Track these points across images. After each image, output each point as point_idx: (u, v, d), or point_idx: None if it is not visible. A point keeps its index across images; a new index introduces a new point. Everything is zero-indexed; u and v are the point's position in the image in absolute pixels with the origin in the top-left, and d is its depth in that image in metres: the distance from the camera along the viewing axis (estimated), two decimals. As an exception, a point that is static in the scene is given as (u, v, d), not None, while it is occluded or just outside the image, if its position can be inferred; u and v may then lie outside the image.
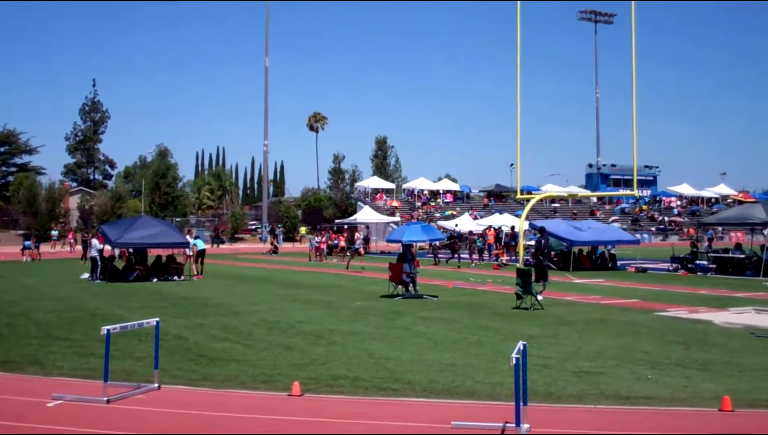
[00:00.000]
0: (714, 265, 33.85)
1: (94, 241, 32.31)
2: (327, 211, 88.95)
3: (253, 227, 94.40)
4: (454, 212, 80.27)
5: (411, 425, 8.40)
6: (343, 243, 51.41)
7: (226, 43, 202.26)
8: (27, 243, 50.51)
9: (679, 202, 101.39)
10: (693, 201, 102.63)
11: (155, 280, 29.97)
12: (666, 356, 12.63)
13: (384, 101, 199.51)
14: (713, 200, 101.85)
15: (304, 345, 13.96)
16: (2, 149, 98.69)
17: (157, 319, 10.70)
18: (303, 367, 11.76)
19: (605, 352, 13.01)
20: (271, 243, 63.29)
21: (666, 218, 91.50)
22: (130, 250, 32.37)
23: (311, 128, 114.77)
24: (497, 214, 64.16)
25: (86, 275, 31.94)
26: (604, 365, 11.84)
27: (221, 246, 74.61)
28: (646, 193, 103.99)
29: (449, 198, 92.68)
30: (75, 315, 18.81)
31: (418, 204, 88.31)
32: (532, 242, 32.83)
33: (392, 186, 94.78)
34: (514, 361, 7.34)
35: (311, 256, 49.51)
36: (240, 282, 30.08)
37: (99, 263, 30.76)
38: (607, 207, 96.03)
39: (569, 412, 9.02)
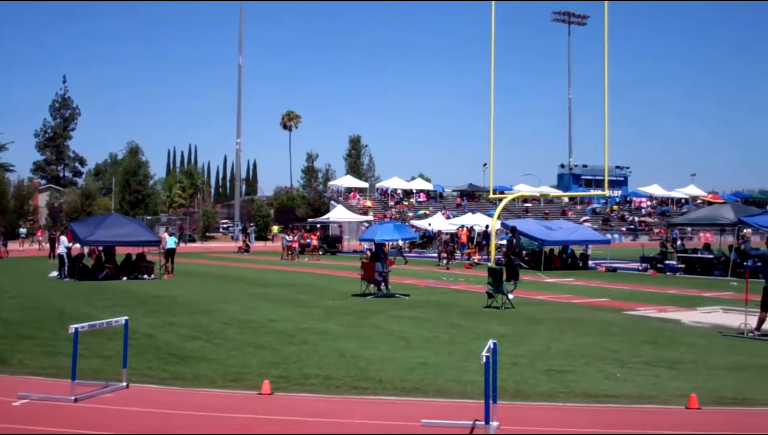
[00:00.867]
0: (683, 265, 34.17)
1: (63, 239, 32.02)
2: (300, 210, 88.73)
3: (225, 226, 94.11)
4: (428, 211, 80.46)
5: (381, 423, 8.40)
6: (315, 242, 51.33)
7: (199, 40, 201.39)
8: (-5, 241, 49.91)
9: (649, 203, 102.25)
10: (663, 201, 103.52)
11: (125, 278, 29.75)
12: (635, 355, 12.73)
13: (358, 100, 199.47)
14: (683, 201, 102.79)
15: (275, 344, 13.92)
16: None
17: (126, 317, 10.63)
18: (274, 365, 11.73)
19: (575, 351, 13.09)
20: (243, 241, 63.05)
21: (636, 218, 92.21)
22: (100, 248, 32.11)
23: (285, 127, 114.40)
24: (470, 214, 64.33)
25: (55, 273, 31.64)
26: (574, 364, 11.91)
27: (192, 244, 74.20)
28: (617, 193, 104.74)
29: (422, 197, 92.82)
30: (43, 313, 18.64)
31: (392, 203, 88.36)
32: (504, 242, 32.99)
33: (366, 185, 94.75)
34: (484, 360, 7.37)
35: (283, 254, 49.41)
36: (211, 281, 29.95)
37: (66, 261, 30.47)
38: (579, 207, 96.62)
39: (538, 410, 9.06)
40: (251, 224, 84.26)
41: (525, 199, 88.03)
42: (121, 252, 32.04)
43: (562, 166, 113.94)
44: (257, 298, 22.42)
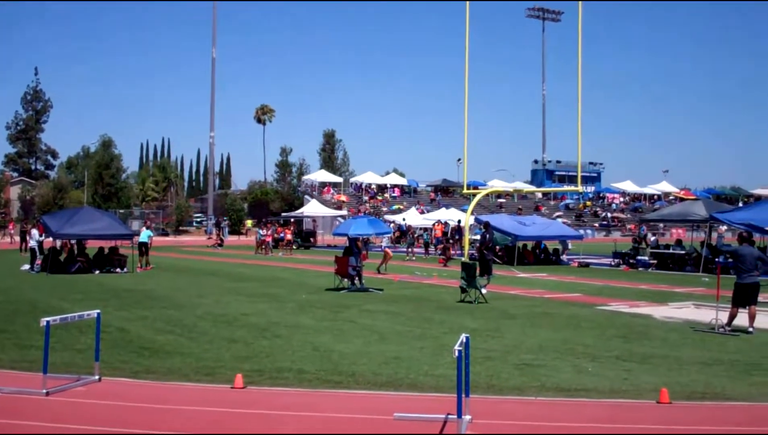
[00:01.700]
0: (655, 261, 34.45)
1: (34, 232, 31.76)
2: (273, 205, 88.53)
3: (199, 220, 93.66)
4: (401, 206, 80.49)
5: (354, 417, 8.42)
6: (289, 236, 51.22)
7: (172, 33, 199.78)
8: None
9: (622, 199, 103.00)
10: (636, 198, 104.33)
11: (97, 272, 29.55)
12: (606, 349, 12.83)
13: (333, 95, 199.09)
14: (656, 197, 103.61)
15: (248, 338, 13.90)
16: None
17: (98, 310, 10.57)
18: (247, 359, 11.72)
19: (547, 345, 13.17)
20: (217, 236, 62.77)
21: (609, 214, 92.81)
22: (72, 242, 31.87)
23: (258, 121, 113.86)
24: (444, 209, 64.45)
25: (26, 266, 31.35)
26: (546, 358, 11.99)
27: (165, 238, 73.77)
28: (590, 189, 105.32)
29: (397, 192, 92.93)
30: (15, 307, 18.48)
31: (366, 198, 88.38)
32: (478, 237, 33.09)
33: (340, 180, 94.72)
34: (456, 354, 7.40)
35: (257, 249, 49.27)
36: (184, 275, 29.82)
37: (39, 254, 30.19)
38: (552, 202, 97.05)
39: (510, 403, 9.12)
40: (225, 218, 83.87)
41: (499, 195, 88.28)
42: (93, 245, 31.82)
43: (536, 161, 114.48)
44: (231, 293, 22.36)
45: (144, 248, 32.49)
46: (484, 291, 20.55)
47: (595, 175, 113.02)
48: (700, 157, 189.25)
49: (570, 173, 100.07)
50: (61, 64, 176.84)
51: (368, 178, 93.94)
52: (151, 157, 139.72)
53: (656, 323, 16.38)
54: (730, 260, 15.96)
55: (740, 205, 72.83)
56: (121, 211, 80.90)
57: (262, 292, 22.67)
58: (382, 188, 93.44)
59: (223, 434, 7.80)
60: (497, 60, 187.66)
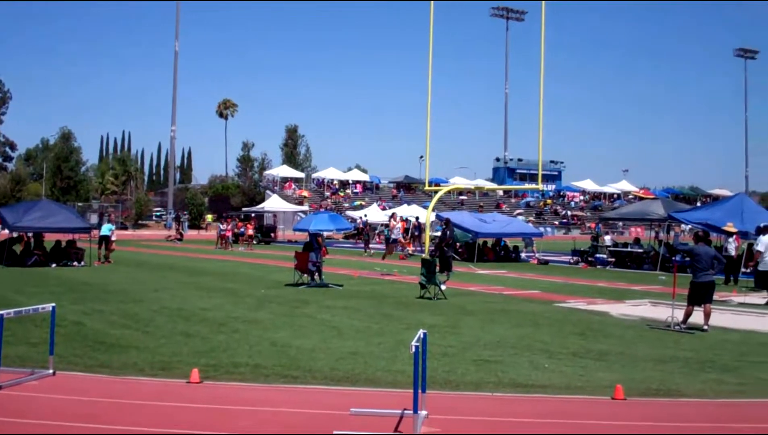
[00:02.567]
0: (613, 259, 34.80)
1: (-10, 225, 31.23)
2: (234, 199, 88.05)
3: (158, 214, 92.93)
4: (363, 202, 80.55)
5: (310, 412, 8.39)
6: (250, 231, 50.99)
7: (134, 25, 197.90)
8: None
9: (582, 197, 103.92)
10: (595, 196, 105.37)
11: (54, 265, 29.19)
12: (563, 346, 12.93)
13: (296, 90, 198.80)
14: (615, 196, 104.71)
15: (205, 332, 13.81)
16: None
17: (53, 304, 10.42)
18: (204, 354, 11.64)
19: (505, 342, 13.24)
20: (176, 230, 62.31)
21: (569, 212, 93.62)
22: (29, 235, 31.41)
23: (221, 115, 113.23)
24: (406, 205, 64.59)
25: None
26: (503, 354, 12.05)
27: (124, 232, 73.05)
28: (551, 187, 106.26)
29: (359, 188, 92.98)
30: (-33, 300, 18.18)
31: (328, 193, 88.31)
32: (439, 233, 33.19)
33: (302, 175, 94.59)
34: (413, 349, 7.40)
35: (218, 243, 49.00)
36: (143, 269, 29.55)
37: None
38: (513, 200, 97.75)
39: (467, 399, 9.16)
40: (185, 213, 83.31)
41: (460, 192, 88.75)
42: (50, 239, 31.40)
43: (498, 159, 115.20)
44: (189, 287, 22.21)
45: (105, 242, 32.12)
46: (443, 287, 20.61)
47: (556, 173, 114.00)
48: (659, 157, 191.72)
49: (531, 171, 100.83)
50: (21, 56, 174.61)
51: (330, 173, 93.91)
52: (111, 150, 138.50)
53: (613, 320, 16.53)
54: (687, 259, 16.17)
55: (698, 204, 73.90)
56: (80, 204, 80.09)
57: (220, 286, 22.53)
58: (344, 184, 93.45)
59: (176, 431, 7.72)
60: (461, 58, 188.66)
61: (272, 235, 59.97)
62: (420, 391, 7.64)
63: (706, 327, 14.93)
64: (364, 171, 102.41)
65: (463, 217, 40.39)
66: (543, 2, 30.05)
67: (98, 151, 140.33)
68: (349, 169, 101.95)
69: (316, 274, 22.86)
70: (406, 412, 7.98)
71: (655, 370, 11.01)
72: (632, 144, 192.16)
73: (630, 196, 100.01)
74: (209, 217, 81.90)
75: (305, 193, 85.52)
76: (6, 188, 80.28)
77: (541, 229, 57.62)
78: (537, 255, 39.06)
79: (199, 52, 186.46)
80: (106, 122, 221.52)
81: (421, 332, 7.92)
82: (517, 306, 18.84)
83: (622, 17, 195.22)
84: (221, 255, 41.12)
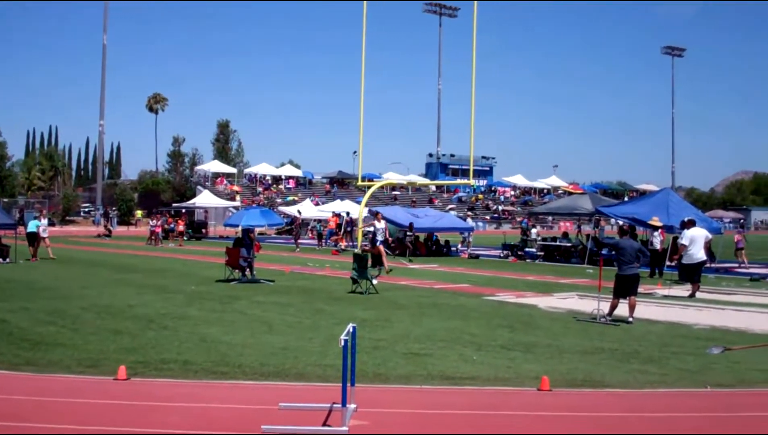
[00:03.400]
0: (542, 253, 35.31)
1: None
2: (165, 195, 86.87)
3: (87, 209, 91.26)
4: (296, 198, 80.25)
5: (239, 408, 8.36)
6: (180, 227, 50.41)
7: (62, 18, 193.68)
8: None
9: (512, 192, 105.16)
10: (526, 191, 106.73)
11: (-23, 262, 28.49)
12: (492, 339, 13.09)
13: (228, 85, 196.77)
14: (545, 191, 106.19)
15: (134, 329, 13.62)
16: None
17: (-26, 301, 10.19)
18: (132, 351, 11.48)
19: (435, 335, 13.35)
20: (105, 226, 61.23)
21: (500, 207, 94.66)
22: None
23: (151, 109, 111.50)
24: (339, 201, 64.53)
25: None
26: (433, 347, 12.15)
27: (51, 228, 71.49)
28: (482, 182, 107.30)
29: (292, 184, 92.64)
30: None
31: (260, 189, 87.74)
32: (371, 229, 33.26)
33: (234, 170, 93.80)
34: (342, 343, 7.42)
35: (150, 239, 48.33)
36: (70, 265, 28.98)
37: None
38: (445, 195, 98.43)
39: (396, 392, 9.21)
40: (114, 208, 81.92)
41: (393, 187, 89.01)
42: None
43: (431, 155, 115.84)
44: (118, 284, 21.87)
45: (33, 238, 31.40)
46: (375, 282, 20.68)
47: (488, 168, 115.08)
48: (589, 153, 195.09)
49: (463, 167, 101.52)
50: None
51: (263, 169, 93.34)
52: (37, 145, 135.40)
53: (541, 313, 16.79)
54: (613, 253, 16.51)
55: (625, 199, 75.33)
56: (6, 199, 78.13)
57: (150, 283, 22.23)
58: (276, 179, 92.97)
59: (103, 428, 7.60)
60: (395, 54, 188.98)
61: (203, 231, 59.36)
62: (349, 384, 7.67)
63: (630, 319, 15.25)
64: (297, 166, 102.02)
65: (395, 212, 40.57)
66: (475, 1, 30.28)
67: (24, 146, 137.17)
68: (282, 165, 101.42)
69: (247, 269, 22.71)
70: (335, 405, 7.99)
71: (580, 362, 11.22)
72: (562, 140, 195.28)
73: (559, 191, 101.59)
74: (139, 213, 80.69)
75: (237, 189, 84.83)
76: (-72, 184, 78.08)
77: (473, 223, 57.91)
78: (468, 249, 39.39)
79: (128, 46, 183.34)
80: (32, 117, 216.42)
81: (350, 326, 7.95)
82: (448, 299, 18.99)
83: (553, 16, 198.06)
84: (151, 251, 40.54)
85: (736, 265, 32.28)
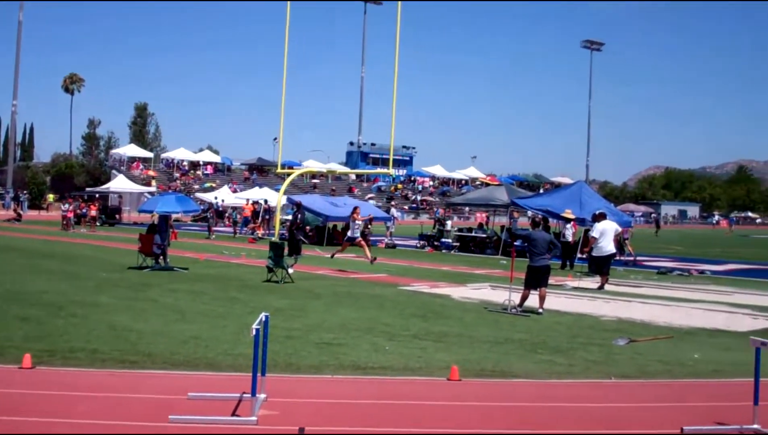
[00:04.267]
0: (458, 244, 35.71)
1: None
2: (78, 179, 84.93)
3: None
4: (214, 184, 79.38)
5: (147, 397, 8.27)
6: (93, 212, 49.39)
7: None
8: None
9: (431, 183, 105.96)
10: (445, 182, 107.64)
11: None
12: (405, 328, 13.21)
13: (146, 68, 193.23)
14: (463, 182, 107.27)
15: (42, 316, 13.33)
16: None
17: None
18: (39, 339, 11.23)
19: (348, 324, 13.41)
20: (14, 210, 59.60)
21: (419, 197, 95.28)
22: None
23: (66, 90, 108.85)
24: (257, 188, 64.11)
25: None
26: (347, 337, 12.20)
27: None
28: (402, 172, 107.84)
29: (210, 170, 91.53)
30: None
31: (177, 175, 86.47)
32: (290, 217, 33.13)
33: (150, 155, 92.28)
34: (254, 333, 7.41)
35: (63, 224, 47.22)
36: (-24, 250, 28.16)
37: None
38: (365, 184, 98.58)
39: (307, 381, 9.24)
40: (25, 192, 79.75)
41: (313, 175, 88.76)
42: None
43: (351, 143, 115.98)
44: (26, 270, 21.35)
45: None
46: (291, 271, 20.63)
47: (408, 158, 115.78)
48: (507, 145, 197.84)
49: (383, 156, 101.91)
50: None
51: (180, 154, 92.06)
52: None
53: (454, 303, 17.00)
54: (525, 244, 16.81)
55: (540, 191, 76.68)
56: None
57: (60, 269, 21.77)
58: (194, 165, 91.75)
59: (4, 418, 7.44)
60: (318, 41, 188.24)
61: (117, 216, 58.32)
62: (259, 374, 7.67)
63: (541, 310, 15.56)
64: (216, 152, 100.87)
65: (314, 201, 40.51)
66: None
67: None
68: (201, 150, 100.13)
69: (161, 257, 22.41)
70: (245, 395, 7.98)
71: (490, 352, 11.42)
72: (482, 132, 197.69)
73: (477, 183, 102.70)
74: (50, 197, 78.72)
75: (153, 174, 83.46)
76: None
77: (398, 213, 58.16)
78: (387, 239, 39.57)
79: (45, 23, 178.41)
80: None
81: (262, 315, 7.94)
82: (364, 289, 19.08)
83: (475, 9, 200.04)
84: (62, 237, 39.63)
85: (643, 257, 33.21)
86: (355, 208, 26.77)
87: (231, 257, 28.16)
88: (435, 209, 48.45)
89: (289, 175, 38.60)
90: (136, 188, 66.98)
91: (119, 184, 66.67)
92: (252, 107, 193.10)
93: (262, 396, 7.89)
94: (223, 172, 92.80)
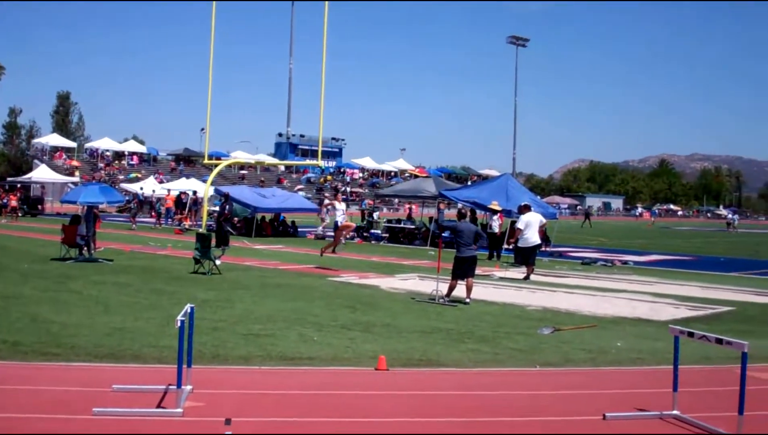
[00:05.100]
0: (387, 235, 35.86)
1: None
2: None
3: None
4: (140, 175, 78.21)
5: (70, 390, 8.13)
6: (14, 202, 48.22)
7: None
8: None
9: (361, 174, 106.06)
10: (374, 173, 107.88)
11: None
12: (333, 319, 13.23)
13: (70, 55, 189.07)
14: (393, 173, 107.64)
15: (-41, 309, 13.00)
16: None
17: None
18: (-44, 332, 10.96)
19: (276, 316, 13.37)
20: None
21: (348, 189, 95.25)
22: None
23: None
24: (184, 179, 63.36)
25: None
26: (274, 328, 12.17)
27: None
28: (332, 164, 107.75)
29: (135, 160, 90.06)
30: None
31: (101, 165, 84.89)
32: (217, 208, 32.88)
33: (74, 145, 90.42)
34: (179, 324, 7.35)
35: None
36: None
37: None
38: (294, 176, 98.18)
39: (234, 373, 9.20)
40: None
41: (241, 166, 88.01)
42: None
43: (280, 135, 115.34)
44: (-57, 261, 20.77)
45: None
46: (218, 262, 20.46)
47: (337, 150, 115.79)
48: (435, 138, 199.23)
49: (313, 147, 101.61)
50: None
51: (105, 144, 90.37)
52: None
53: (382, 294, 17.08)
54: (452, 235, 16.98)
55: (468, 183, 77.42)
56: None
57: (-21, 261, 21.23)
58: (119, 155, 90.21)
59: None
60: (247, 32, 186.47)
61: (39, 207, 57.07)
62: (185, 365, 7.62)
63: (468, 300, 15.74)
64: (142, 142, 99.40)
65: (242, 192, 40.26)
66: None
67: None
68: (126, 140, 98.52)
69: (85, 248, 22.00)
70: (170, 387, 7.91)
71: (418, 341, 11.51)
72: (410, 125, 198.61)
73: (406, 174, 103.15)
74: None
75: (76, 164, 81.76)
76: None
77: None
78: (316, 230, 39.55)
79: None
80: None
81: (188, 307, 7.89)
82: (292, 280, 19.04)
83: (402, 4, 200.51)
84: (-18, 227, 38.62)
85: (568, 248, 33.88)
86: (336, 194, 26.81)
87: (157, 248, 27.79)
88: (362, 201, 48.55)
89: (216, 165, 38.31)
90: (59, 178, 65.51)
91: (42, 174, 65.11)
92: (179, 97, 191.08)
93: (188, 388, 7.84)
94: (148, 162, 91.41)
